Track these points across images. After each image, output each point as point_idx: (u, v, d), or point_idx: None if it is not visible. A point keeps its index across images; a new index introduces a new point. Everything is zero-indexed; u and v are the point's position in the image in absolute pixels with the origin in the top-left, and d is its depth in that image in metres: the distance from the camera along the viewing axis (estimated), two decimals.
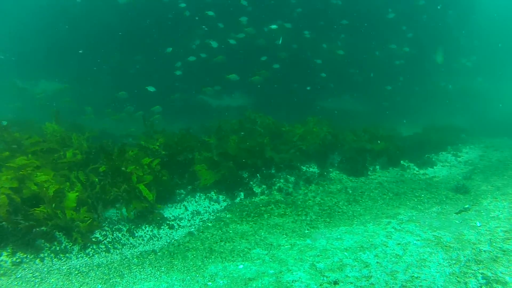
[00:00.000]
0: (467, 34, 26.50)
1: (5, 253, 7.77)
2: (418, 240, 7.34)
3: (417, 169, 13.82)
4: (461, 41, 26.18)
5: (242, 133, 14.68)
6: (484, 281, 5.79)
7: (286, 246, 7.65)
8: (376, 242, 7.40)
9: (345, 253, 7.05)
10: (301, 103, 21.65)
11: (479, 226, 7.78)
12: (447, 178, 12.41)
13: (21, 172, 9.12)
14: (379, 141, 14.98)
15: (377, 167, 13.76)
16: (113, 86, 20.96)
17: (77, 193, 8.97)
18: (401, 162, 14.12)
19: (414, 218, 8.64)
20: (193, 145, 12.95)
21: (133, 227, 9.38)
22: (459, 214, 8.68)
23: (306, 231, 8.35)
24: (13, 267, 7.46)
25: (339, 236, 7.85)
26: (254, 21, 19.50)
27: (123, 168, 9.77)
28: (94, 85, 22.99)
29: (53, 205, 8.39)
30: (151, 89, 18.07)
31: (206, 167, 11.76)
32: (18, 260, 7.66)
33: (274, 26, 19.27)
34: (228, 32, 20.13)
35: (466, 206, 9.16)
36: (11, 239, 8.06)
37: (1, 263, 7.52)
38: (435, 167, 13.94)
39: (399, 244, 7.23)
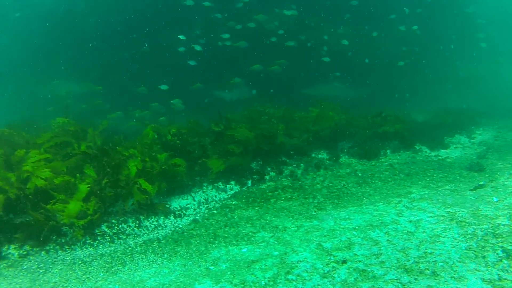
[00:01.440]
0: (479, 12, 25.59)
1: (12, 246, 7.77)
2: (431, 216, 6.95)
3: (429, 151, 13.36)
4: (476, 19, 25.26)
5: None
6: (505, 254, 5.40)
7: (292, 228, 7.32)
8: (387, 220, 7.03)
9: (354, 232, 6.69)
10: (299, 93, 21.15)
11: (496, 202, 7.37)
12: (461, 159, 11.96)
13: (24, 168, 8.95)
14: (391, 124, 14.59)
15: (388, 151, 13.34)
16: (131, 83, 20.74)
17: (88, 185, 8.78)
18: (413, 145, 13.69)
19: (426, 196, 8.25)
20: (203, 134, 12.76)
21: (142, 217, 9.19)
22: (474, 191, 8.27)
23: (313, 213, 8.01)
24: (20, 259, 7.44)
25: (347, 216, 7.50)
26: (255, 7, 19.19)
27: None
28: (117, 84, 22.55)
29: (62, 197, 8.24)
30: (163, 87, 18.01)
31: (216, 157, 11.51)
32: (24, 253, 7.63)
33: (289, 12, 19.04)
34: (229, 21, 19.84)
35: (482, 182, 8.75)
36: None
37: (9, 255, 7.52)
38: (448, 149, 13.47)
39: (410, 221, 6.86)
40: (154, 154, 10.73)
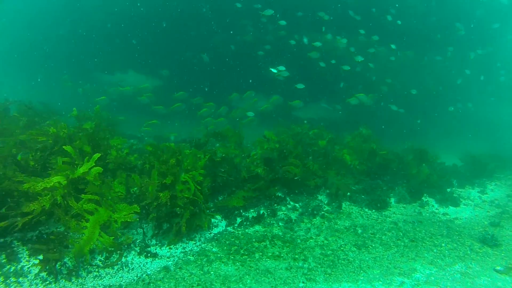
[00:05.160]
0: None
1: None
2: None
3: (436, 206, 12.27)
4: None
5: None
6: None
7: None
8: None
9: None
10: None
11: None
12: (471, 222, 10.83)
13: None
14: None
15: (392, 200, 12.28)
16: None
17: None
18: (421, 196, 12.61)
19: (433, 278, 7.16)
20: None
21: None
22: (489, 279, 7.20)
23: (301, 285, 6.92)
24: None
25: None
26: None
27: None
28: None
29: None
30: None
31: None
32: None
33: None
34: None
35: (498, 268, 7.65)
36: None
37: None
38: (457, 206, 12.32)
39: None
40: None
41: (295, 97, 19.64)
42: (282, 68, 17.51)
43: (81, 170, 7.49)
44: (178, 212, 8.65)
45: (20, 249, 7.58)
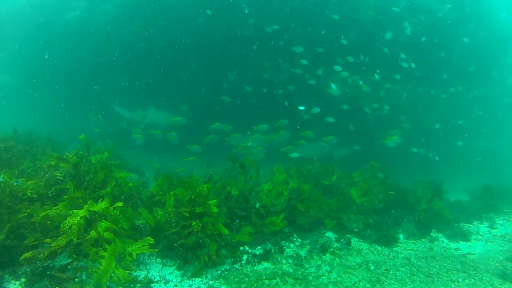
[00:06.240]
0: None
1: None
2: None
3: (446, 241, 11.93)
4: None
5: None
6: None
7: None
8: None
9: None
10: None
11: None
12: (486, 257, 10.49)
13: None
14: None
15: (401, 236, 11.95)
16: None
17: None
18: (430, 231, 12.30)
19: None
20: None
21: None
22: None
23: None
24: None
25: None
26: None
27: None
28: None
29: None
30: None
31: None
32: None
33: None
34: None
35: None
36: None
37: None
38: (468, 241, 11.99)
39: None
40: None
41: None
42: (317, 109, 17.60)
43: (102, 204, 7.35)
44: (207, 243, 8.47)
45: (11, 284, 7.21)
